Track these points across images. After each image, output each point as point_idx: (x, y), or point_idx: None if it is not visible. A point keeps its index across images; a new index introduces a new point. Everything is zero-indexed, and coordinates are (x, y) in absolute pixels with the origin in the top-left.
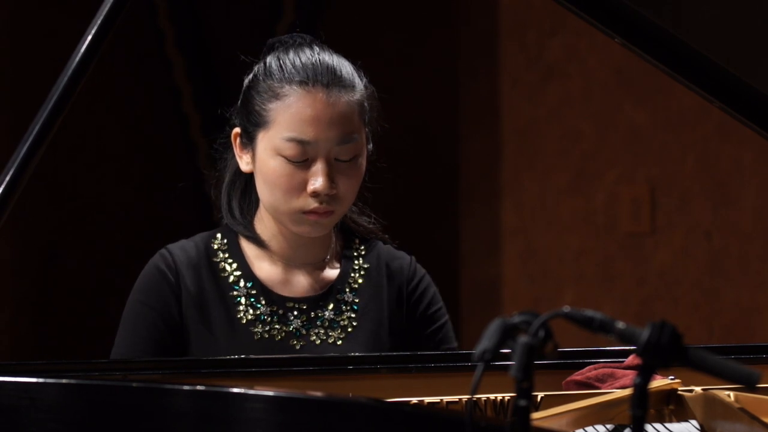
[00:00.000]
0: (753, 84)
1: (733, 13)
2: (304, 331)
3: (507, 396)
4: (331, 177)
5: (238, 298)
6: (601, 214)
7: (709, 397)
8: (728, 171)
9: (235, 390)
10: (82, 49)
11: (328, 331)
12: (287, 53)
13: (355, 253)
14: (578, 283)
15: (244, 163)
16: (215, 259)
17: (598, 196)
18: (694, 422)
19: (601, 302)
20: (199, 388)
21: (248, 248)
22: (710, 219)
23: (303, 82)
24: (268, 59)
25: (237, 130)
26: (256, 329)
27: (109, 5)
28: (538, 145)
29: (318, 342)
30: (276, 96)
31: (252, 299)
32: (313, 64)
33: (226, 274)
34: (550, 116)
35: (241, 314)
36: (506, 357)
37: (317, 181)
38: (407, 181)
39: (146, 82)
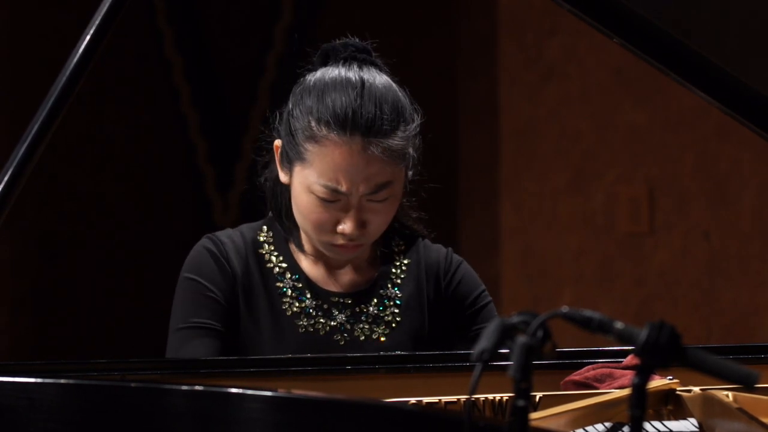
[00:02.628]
0: (753, 84)
1: (733, 13)
2: (348, 326)
3: (505, 396)
4: (361, 221)
5: (284, 290)
6: (600, 214)
7: (708, 397)
8: (727, 171)
9: (234, 390)
10: (81, 50)
11: (372, 326)
12: (332, 90)
13: (396, 249)
14: (577, 283)
15: (282, 175)
16: (261, 251)
17: (597, 196)
18: (692, 422)
19: (600, 302)
20: (197, 388)
21: (293, 243)
22: (709, 219)
23: (341, 129)
24: (312, 81)
25: (278, 143)
26: (300, 322)
27: (107, 6)
28: (537, 145)
29: (362, 338)
30: (314, 138)
31: (297, 292)
32: (353, 110)
33: (272, 266)
34: (549, 116)
35: (286, 306)
36: (505, 357)
37: (346, 225)
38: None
39: (146, 83)
